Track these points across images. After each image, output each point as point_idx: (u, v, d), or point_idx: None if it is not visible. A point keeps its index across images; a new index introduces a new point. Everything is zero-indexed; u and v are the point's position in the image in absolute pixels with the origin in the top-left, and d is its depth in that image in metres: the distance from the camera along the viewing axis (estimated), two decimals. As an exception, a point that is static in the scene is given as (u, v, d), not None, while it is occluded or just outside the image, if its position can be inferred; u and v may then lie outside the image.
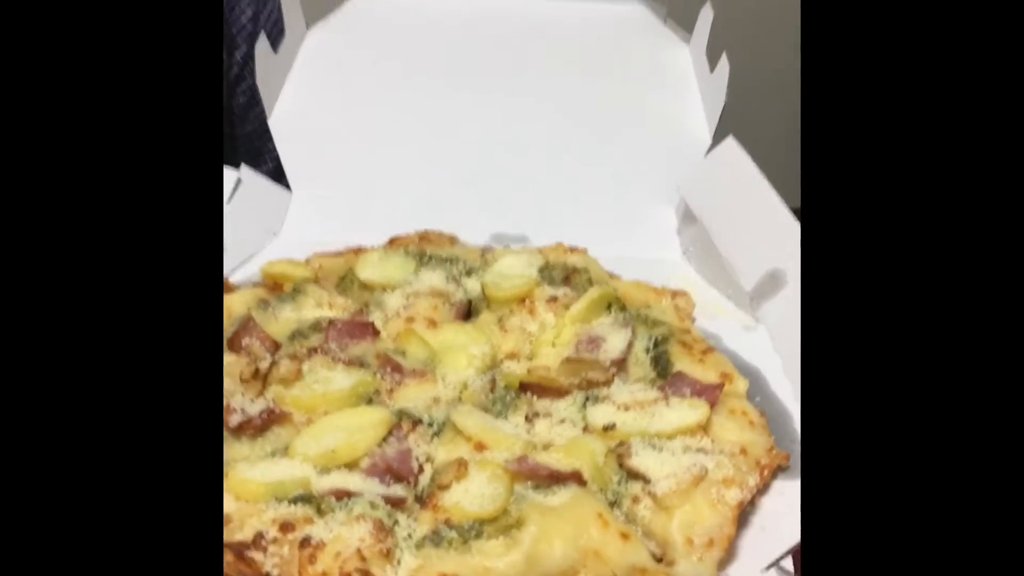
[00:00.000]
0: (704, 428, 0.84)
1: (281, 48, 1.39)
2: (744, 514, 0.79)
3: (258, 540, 0.68)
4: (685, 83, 1.43)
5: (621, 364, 0.92)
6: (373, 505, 0.73)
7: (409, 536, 0.71)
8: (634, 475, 0.79)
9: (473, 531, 0.70)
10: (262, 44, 1.31)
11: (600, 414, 0.85)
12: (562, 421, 0.85)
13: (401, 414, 0.84)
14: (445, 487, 0.74)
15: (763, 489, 0.82)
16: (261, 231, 1.19)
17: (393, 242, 1.12)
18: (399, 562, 0.70)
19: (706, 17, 1.41)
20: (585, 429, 0.84)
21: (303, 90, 1.40)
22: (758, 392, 0.95)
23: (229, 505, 0.72)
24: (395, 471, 0.78)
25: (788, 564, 0.77)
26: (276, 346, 0.94)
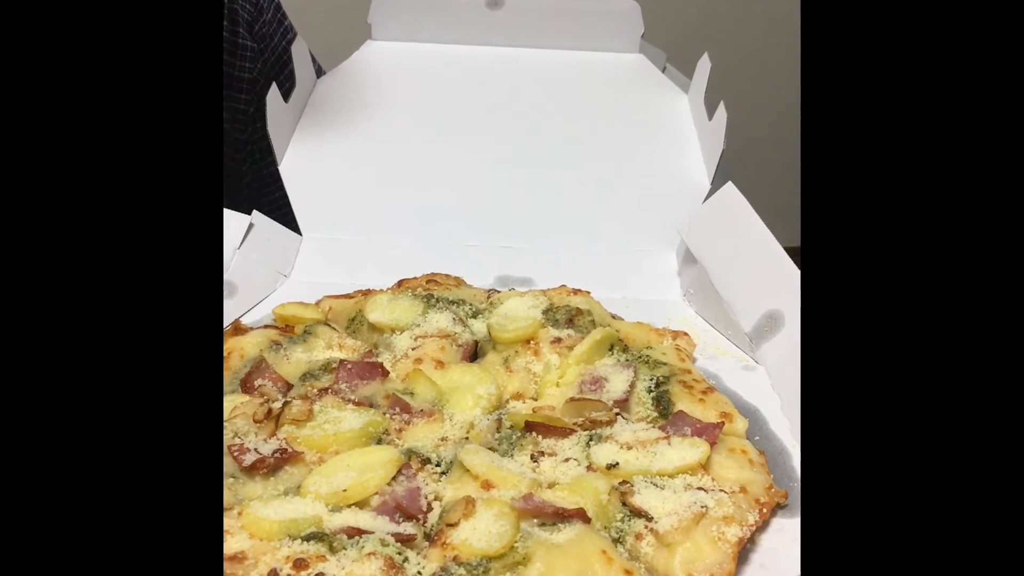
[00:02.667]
0: (705, 467, 0.86)
1: (292, 97, 1.44)
2: (744, 551, 0.81)
3: (272, 577, 0.70)
4: (684, 130, 1.48)
5: (623, 404, 0.95)
6: (384, 542, 0.75)
7: (419, 573, 0.73)
8: (637, 513, 0.81)
9: (481, 568, 0.72)
10: (273, 93, 1.36)
11: (603, 453, 0.87)
12: (566, 460, 0.87)
13: (410, 453, 0.87)
14: (453, 525, 0.76)
15: (762, 526, 0.84)
16: (272, 274, 1.22)
17: (401, 284, 1.15)
18: (409, 598, 0.72)
19: (704, 67, 1.46)
20: (589, 468, 0.86)
21: (313, 137, 1.45)
22: (757, 431, 0.97)
23: (243, 543, 0.74)
24: (405, 509, 0.80)
25: (788, 600, 0.78)
26: (288, 387, 0.96)
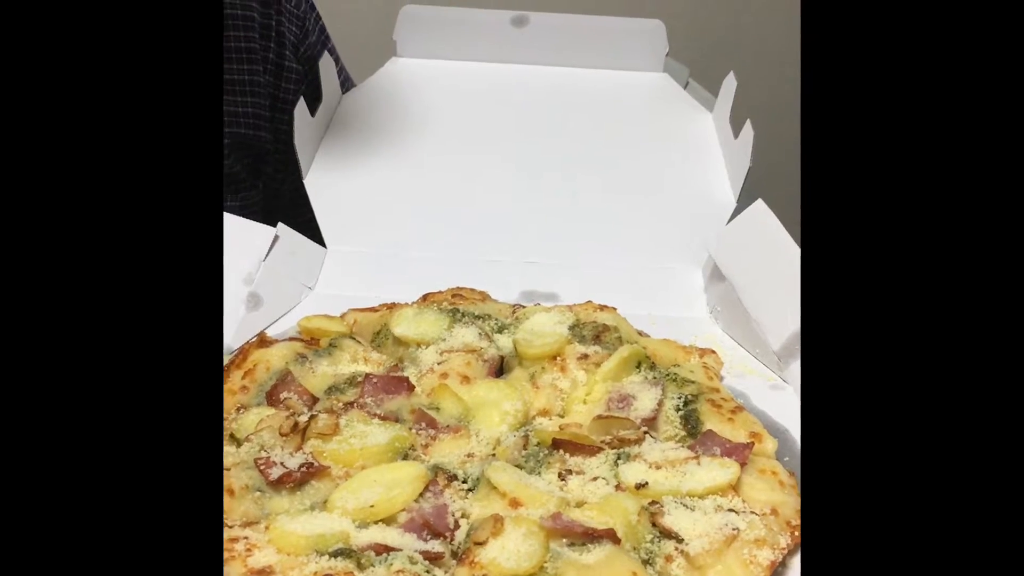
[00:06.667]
0: (735, 488, 0.85)
1: (318, 112, 1.45)
2: (775, 574, 0.80)
3: (300, 593, 0.70)
4: (709, 148, 1.48)
5: (651, 422, 0.94)
6: (412, 560, 0.74)
7: (447, 591, 0.72)
8: (667, 534, 0.80)
9: (510, 587, 0.71)
10: (300, 108, 1.36)
11: (632, 472, 0.86)
12: (595, 479, 0.86)
13: (436, 469, 0.86)
14: (482, 543, 0.76)
15: (793, 550, 0.82)
16: (297, 286, 1.23)
17: (426, 298, 1.15)
18: (437, 617, 0.71)
19: (729, 86, 1.46)
20: (617, 487, 0.85)
21: (338, 151, 1.45)
22: (786, 451, 0.95)
23: (271, 557, 0.73)
24: (432, 526, 0.79)
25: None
26: (314, 400, 0.96)
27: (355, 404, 0.94)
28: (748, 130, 1.34)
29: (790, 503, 0.85)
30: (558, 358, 1.02)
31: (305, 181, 1.39)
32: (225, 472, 0.82)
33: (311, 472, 0.84)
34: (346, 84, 1.65)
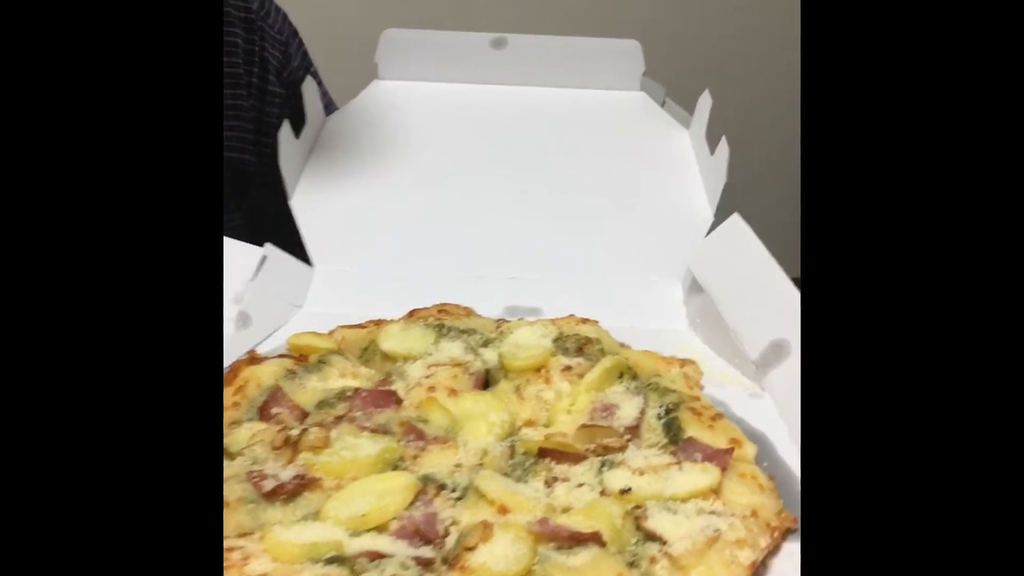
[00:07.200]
0: (716, 492, 0.87)
1: (302, 134, 1.48)
2: (756, 574, 0.82)
3: (295, 600, 0.71)
4: (686, 165, 1.52)
5: (634, 430, 0.97)
6: (404, 566, 0.76)
7: (439, 596, 0.74)
8: (651, 536, 0.82)
9: (500, 591, 0.74)
10: (285, 130, 1.39)
11: (616, 478, 0.88)
12: (580, 485, 0.89)
13: (426, 479, 0.88)
14: (472, 548, 0.78)
15: (773, 551, 0.85)
16: (285, 305, 1.25)
17: (412, 314, 1.17)
18: (429, 621, 0.73)
19: (705, 104, 1.51)
20: (602, 493, 0.88)
21: (323, 172, 1.48)
22: (766, 457, 0.98)
23: (266, 566, 0.75)
24: (422, 533, 0.81)
25: (801, 623, 0.79)
26: (304, 414, 0.98)
27: (345, 418, 0.96)
28: (724, 147, 1.38)
29: (769, 505, 0.88)
30: (542, 370, 1.04)
31: (291, 202, 1.41)
32: (219, 486, 0.84)
33: (303, 484, 0.86)
34: (329, 107, 1.68)
